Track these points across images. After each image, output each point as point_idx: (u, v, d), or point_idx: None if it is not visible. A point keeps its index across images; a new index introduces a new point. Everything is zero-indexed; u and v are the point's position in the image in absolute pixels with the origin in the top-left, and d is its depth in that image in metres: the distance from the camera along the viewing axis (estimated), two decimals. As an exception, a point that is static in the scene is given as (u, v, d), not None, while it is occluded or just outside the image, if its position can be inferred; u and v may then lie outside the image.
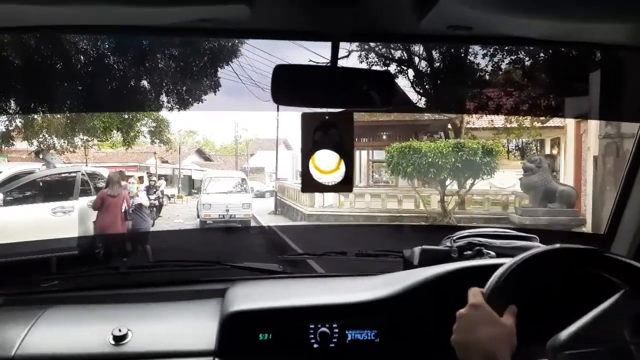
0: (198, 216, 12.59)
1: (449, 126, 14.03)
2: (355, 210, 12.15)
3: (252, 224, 12.09)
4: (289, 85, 1.02)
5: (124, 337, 1.23)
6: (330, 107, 1.04)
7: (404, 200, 12.03)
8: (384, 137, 15.05)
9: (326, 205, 12.72)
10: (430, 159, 10.30)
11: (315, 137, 1.07)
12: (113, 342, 1.23)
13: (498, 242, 1.40)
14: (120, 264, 1.55)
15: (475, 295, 0.94)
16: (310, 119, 1.06)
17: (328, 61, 1.07)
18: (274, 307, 1.26)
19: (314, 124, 1.06)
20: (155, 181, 13.01)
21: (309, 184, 1.07)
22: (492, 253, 1.37)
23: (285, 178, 18.37)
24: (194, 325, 1.32)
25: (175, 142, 19.92)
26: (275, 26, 1.04)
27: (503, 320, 0.90)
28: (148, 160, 19.54)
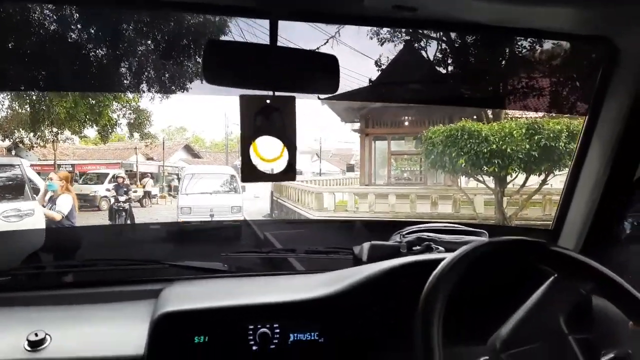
0: (181, 220, 10.63)
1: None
2: (376, 214, 9.47)
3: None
4: (223, 63, 0.94)
5: (41, 342, 1.11)
6: (269, 89, 0.97)
7: (440, 202, 9.29)
8: (406, 122, 12.30)
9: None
10: (494, 146, 7.43)
11: (257, 122, 1.00)
12: (28, 348, 1.10)
13: (447, 237, 1.37)
14: (46, 263, 1.41)
15: None
16: (250, 102, 0.99)
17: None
18: (211, 307, 1.16)
19: (255, 108, 0.99)
20: (123, 179, 11.23)
21: (250, 173, 0.99)
22: (441, 248, 1.34)
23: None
24: (123, 328, 1.20)
25: (160, 136, 18.92)
26: (210, 0, 0.97)
27: None
28: (131, 157, 18.63)
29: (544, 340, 0.96)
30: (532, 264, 1.05)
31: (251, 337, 1.13)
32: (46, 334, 1.13)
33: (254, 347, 1.13)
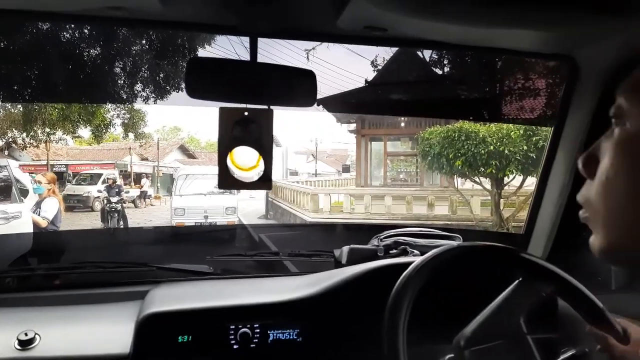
0: (175, 222, 10.36)
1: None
2: (372, 216, 9.54)
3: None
4: (205, 79, 1.00)
5: (30, 341, 1.16)
6: (249, 103, 1.03)
7: (436, 204, 9.38)
8: (402, 123, 12.37)
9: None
10: (491, 147, 7.44)
11: (235, 132, 1.05)
12: (19, 347, 1.15)
13: (422, 241, 1.44)
14: (35, 265, 1.45)
15: None
16: (229, 114, 1.05)
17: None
18: (194, 308, 1.22)
19: (233, 119, 1.04)
20: (114, 180, 11.34)
21: (226, 181, 1.05)
22: (416, 252, 1.40)
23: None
24: (110, 328, 1.26)
25: (154, 136, 18.73)
26: (191, 19, 1.03)
27: None
28: (126, 157, 18.42)
29: (505, 339, 1.03)
30: (498, 268, 1.12)
31: (232, 337, 1.19)
32: (35, 333, 1.17)
33: (235, 346, 1.19)
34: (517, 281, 1.05)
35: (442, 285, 1.03)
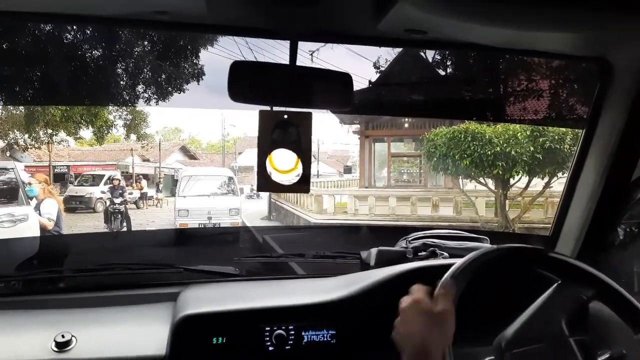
0: (178, 223, 10.40)
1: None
2: (376, 217, 9.36)
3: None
4: (246, 82, 1.00)
5: (67, 343, 1.16)
6: (289, 106, 1.04)
7: (441, 205, 9.27)
8: (406, 124, 12.28)
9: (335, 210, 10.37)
10: (498, 148, 7.38)
11: (274, 135, 1.06)
12: (56, 349, 1.16)
13: (451, 243, 1.44)
14: (64, 267, 1.46)
15: (417, 291, 0.95)
16: (269, 117, 1.05)
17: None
18: (228, 310, 1.22)
19: (272, 122, 1.05)
20: (119, 181, 11.21)
21: (265, 183, 1.06)
22: (445, 254, 1.40)
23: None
24: (144, 330, 1.26)
25: (156, 137, 18.70)
26: (233, 22, 1.03)
27: (440, 314, 0.91)
28: (127, 158, 18.39)
29: (547, 341, 1.03)
30: (533, 270, 1.12)
31: (267, 338, 1.19)
32: (72, 335, 1.18)
33: (270, 348, 1.19)
34: (556, 284, 1.06)
35: (481, 286, 1.03)
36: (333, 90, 1.08)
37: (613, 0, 0.92)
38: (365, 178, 13.23)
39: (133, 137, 12.83)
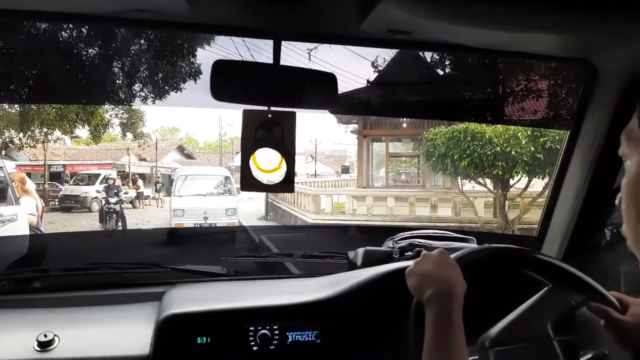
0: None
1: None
2: (374, 217, 9.30)
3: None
4: (229, 81, 1.00)
5: (50, 342, 1.16)
6: (272, 105, 1.04)
7: (439, 205, 9.19)
8: (404, 124, 12.14)
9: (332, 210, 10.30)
10: (498, 148, 7.29)
11: (258, 134, 1.05)
12: (38, 348, 1.15)
13: (437, 243, 1.44)
14: (51, 266, 1.45)
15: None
16: (252, 116, 1.05)
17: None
18: (212, 309, 1.22)
19: (257, 122, 1.05)
20: (114, 180, 11.20)
21: (249, 182, 1.05)
22: (432, 254, 1.40)
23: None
24: (129, 329, 1.26)
25: (153, 137, 18.60)
26: (216, 21, 1.03)
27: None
28: (124, 157, 18.26)
29: (531, 342, 1.03)
30: (519, 271, 1.13)
31: (252, 338, 1.19)
32: (55, 335, 1.18)
33: (254, 348, 1.19)
34: (546, 288, 1.06)
35: (467, 286, 1.03)
36: (317, 90, 1.08)
37: (597, 3, 0.93)
38: (363, 178, 13.23)
39: (130, 136, 12.78)
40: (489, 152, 7.42)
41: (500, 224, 7.92)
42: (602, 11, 0.95)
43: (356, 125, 13.39)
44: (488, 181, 8.23)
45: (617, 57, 1.16)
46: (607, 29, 1.05)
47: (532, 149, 7.30)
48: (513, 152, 7.33)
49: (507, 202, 8.05)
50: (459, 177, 8.57)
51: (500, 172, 7.52)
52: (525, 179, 8.06)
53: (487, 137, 7.44)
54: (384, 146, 13.24)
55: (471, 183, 8.72)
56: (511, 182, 8.01)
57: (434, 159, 8.19)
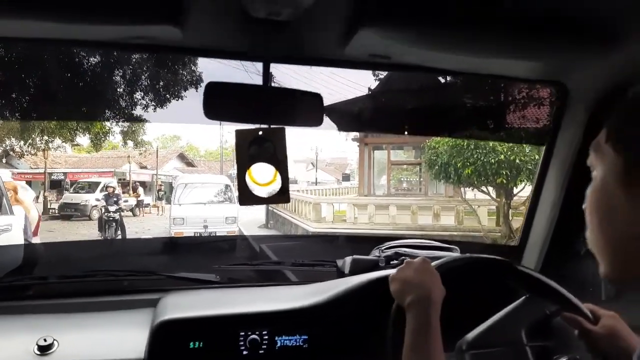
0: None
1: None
2: (376, 226, 9.21)
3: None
4: (221, 102, 1.07)
5: (49, 347, 1.22)
6: (262, 123, 1.11)
7: (442, 214, 9.13)
8: (406, 131, 12.60)
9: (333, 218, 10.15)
10: (502, 156, 7.24)
11: (251, 151, 1.12)
12: (38, 352, 1.21)
13: (422, 252, 1.51)
14: (49, 274, 1.50)
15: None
16: (245, 135, 1.12)
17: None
18: (205, 315, 1.28)
19: (249, 139, 1.12)
20: (114, 189, 11.23)
21: (247, 197, 1.12)
22: (416, 263, 1.47)
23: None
24: (124, 335, 1.32)
25: (154, 144, 18.57)
26: (208, 46, 1.11)
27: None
28: (125, 165, 18.33)
29: (505, 346, 1.10)
30: (500, 280, 1.20)
31: (242, 343, 1.25)
32: (54, 339, 1.23)
33: (245, 352, 1.25)
34: (524, 297, 1.13)
35: (448, 294, 1.09)
36: (304, 109, 1.15)
37: (566, 30, 1.00)
38: (364, 186, 13.19)
39: (131, 143, 12.83)
40: (493, 161, 7.33)
41: (505, 233, 7.80)
42: (570, 36, 1.03)
43: (357, 133, 13.44)
44: (491, 189, 8.14)
45: (587, 79, 1.24)
46: (576, 53, 1.12)
47: (537, 157, 7.03)
48: (517, 161, 7.26)
49: (510, 210, 7.95)
50: (462, 186, 8.49)
51: (504, 181, 7.42)
52: (529, 188, 7.86)
53: (491, 145, 7.32)
54: (385, 154, 13.14)
55: (473, 191, 8.62)
56: (515, 190, 7.93)
57: (437, 167, 8.11)
